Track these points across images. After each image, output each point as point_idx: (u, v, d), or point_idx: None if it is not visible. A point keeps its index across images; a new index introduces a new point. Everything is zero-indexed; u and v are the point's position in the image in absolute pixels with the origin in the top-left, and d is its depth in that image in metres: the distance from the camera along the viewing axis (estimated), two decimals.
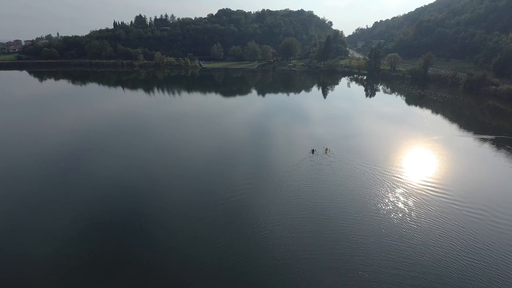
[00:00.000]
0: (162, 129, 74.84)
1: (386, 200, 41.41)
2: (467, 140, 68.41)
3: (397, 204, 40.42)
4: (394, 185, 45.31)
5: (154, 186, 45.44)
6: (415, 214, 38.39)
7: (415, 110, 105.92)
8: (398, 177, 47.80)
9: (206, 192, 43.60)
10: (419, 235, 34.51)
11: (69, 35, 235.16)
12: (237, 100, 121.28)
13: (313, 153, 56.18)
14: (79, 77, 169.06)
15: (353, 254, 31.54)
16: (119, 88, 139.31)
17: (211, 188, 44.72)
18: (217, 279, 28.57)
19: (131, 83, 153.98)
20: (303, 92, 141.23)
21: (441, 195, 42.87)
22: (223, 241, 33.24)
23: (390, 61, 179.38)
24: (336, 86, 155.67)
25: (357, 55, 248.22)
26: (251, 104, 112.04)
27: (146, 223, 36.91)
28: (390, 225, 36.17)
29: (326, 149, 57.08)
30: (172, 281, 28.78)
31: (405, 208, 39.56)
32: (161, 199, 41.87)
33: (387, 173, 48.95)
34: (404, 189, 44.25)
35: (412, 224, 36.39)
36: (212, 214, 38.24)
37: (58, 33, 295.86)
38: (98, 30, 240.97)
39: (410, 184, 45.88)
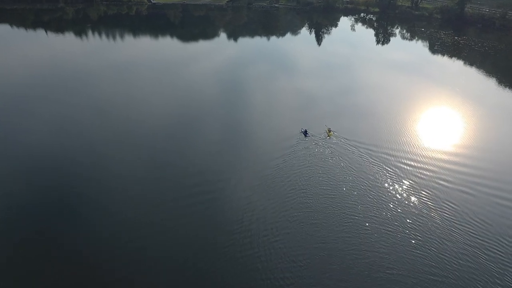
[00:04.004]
0: (103, 82, 69.40)
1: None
2: None
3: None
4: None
5: (97, 157, 42.28)
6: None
7: (451, 65, 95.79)
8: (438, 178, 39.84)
9: (168, 166, 40.76)
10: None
11: None
12: (201, 46, 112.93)
13: (305, 136, 46.48)
14: None
15: None
16: (40, 31, 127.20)
17: (175, 161, 41.78)
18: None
19: (56, 25, 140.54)
20: (288, 35, 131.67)
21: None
22: (192, 232, 31.51)
23: None
24: (335, 29, 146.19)
25: None
26: (219, 51, 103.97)
27: (86, 207, 34.12)
28: None
29: (329, 130, 47.50)
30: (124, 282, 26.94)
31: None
32: (107, 176, 38.81)
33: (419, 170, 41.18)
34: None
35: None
36: (179, 197, 35.71)
37: None
38: None
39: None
